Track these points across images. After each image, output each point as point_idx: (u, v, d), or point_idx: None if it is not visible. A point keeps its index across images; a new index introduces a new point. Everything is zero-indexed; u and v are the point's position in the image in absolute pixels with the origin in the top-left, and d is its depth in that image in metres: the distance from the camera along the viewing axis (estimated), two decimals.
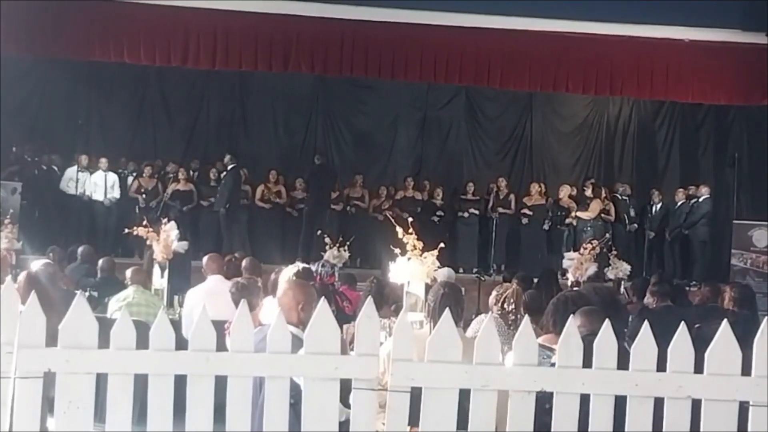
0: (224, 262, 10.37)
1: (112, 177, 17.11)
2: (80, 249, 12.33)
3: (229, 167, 17.05)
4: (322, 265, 9.93)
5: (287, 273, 8.34)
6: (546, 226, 17.55)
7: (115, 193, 17.09)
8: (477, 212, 17.72)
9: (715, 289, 10.69)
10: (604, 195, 17.50)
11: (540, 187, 17.89)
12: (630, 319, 9.24)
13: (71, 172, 16.94)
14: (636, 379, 3.90)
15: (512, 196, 17.85)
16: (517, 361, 3.94)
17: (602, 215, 17.21)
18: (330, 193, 17.54)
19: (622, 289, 12.43)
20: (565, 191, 17.71)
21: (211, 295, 8.64)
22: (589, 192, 17.39)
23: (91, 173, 17.03)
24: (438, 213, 17.59)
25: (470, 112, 20.27)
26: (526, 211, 17.54)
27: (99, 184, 16.94)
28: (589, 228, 16.64)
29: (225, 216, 16.94)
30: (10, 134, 16.22)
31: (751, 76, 15.04)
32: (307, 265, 9.12)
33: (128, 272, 9.65)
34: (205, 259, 10.13)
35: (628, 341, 4.06)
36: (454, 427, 3.89)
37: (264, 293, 8.03)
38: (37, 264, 9.69)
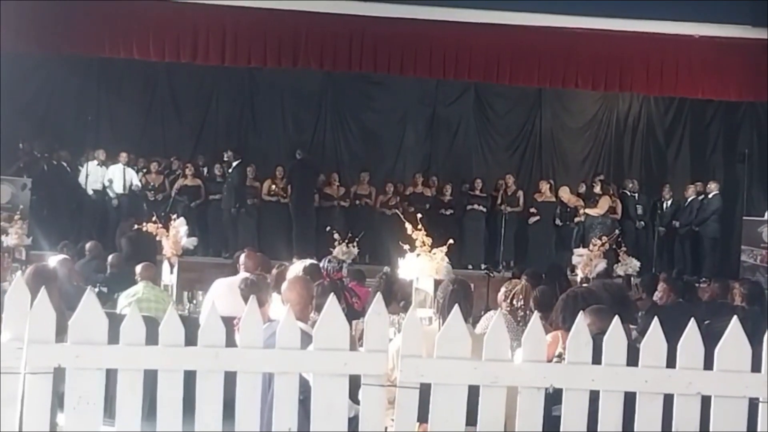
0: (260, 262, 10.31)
1: (122, 172, 17.08)
2: (88, 245, 12.35)
3: (234, 163, 17.04)
4: (329, 261, 9.95)
5: (295, 269, 8.36)
6: (559, 222, 17.52)
7: (127, 189, 17.06)
8: (484, 209, 17.67)
9: (724, 285, 10.70)
10: (612, 192, 17.46)
11: (549, 184, 17.85)
12: (639, 315, 9.26)
13: (90, 167, 16.96)
14: (645, 376, 3.90)
15: (520, 193, 17.81)
16: (527, 357, 3.93)
17: (610, 214, 17.18)
18: (313, 187, 17.51)
19: (631, 286, 12.42)
20: (564, 192, 17.66)
21: (233, 288, 8.60)
22: (597, 188, 17.35)
23: (101, 168, 17.01)
24: (446, 210, 17.55)
25: (479, 108, 20.25)
26: (534, 208, 17.48)
27: (109, 180, 16.92)
28: (597, 225, 16.61)
29: (234, 213, 16.94)
30: (19, 130, 16.28)
31: (761, 73, 14.99)
32: (315, 261, 9.14)
33: (138, 268, 9.65)
34: (242, 256, 10.11)
35: (638, 337, 4.05)
36: (463, 423, 3.89)
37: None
38: (54, 259, 9.72)
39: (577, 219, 17.34)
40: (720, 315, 8.12)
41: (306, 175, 17.43)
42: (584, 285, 10.07)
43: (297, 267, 8.56)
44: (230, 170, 17.08)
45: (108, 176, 16.86)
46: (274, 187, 17.40)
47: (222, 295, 8.54)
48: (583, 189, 17.99)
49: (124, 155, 17.11)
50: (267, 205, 17.47)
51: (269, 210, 17.50)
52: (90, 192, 16.86)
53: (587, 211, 17.03)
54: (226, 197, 16.98)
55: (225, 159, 17.23)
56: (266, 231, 17.29)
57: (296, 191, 17.25)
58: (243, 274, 9.50)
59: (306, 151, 18.51)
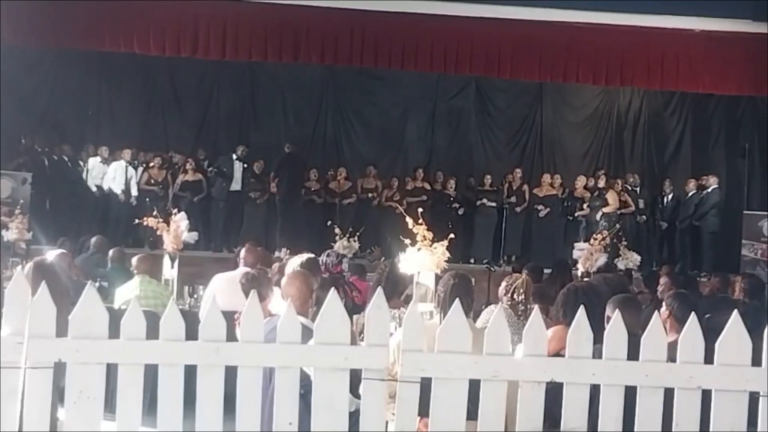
0: (261, 257, 10.32)
1: (123, 167, 17.06)
2: (93, 239, 12.33)
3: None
4: (328, 255, 9.94)
5: (293, 263, 8.35)
6: (568, 216, 17.50)
7: (128, 184, 17.02)
8: (494, 204, 17.66)
9: (724, 279, 10.70)
10: (620, 188, 17.43)
11: (551, 178, 17.84)
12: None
13: (91, 162, 16.93)
14: (646, 370, 3.90)
15: (525, 187, 17.81)
16: (527, 351, 3.94)
17: (622, 207, 17.17)
18: (300, 181, 17.50)
19: (632, 280, 12.41)
20: (581, 182, 17.66)
21: (232, 283, 8.61)
22: (602, 183, 17.34)
23: (102, 164, 16.99)
24: (455, 205, 17.56)
25: (480, 102, 20.26)
26: (539, 202, 17.46)
27: (111, 175, 16.90)
28: (604, 219, 16.57)
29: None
30: (20, 125, 16.25)
31: (762, 67, 14.96)
32: (312, 255, 9.12)
33: (134, 260, 9.64)
34: (242, 251, 10.11)
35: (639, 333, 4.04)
36: (463, 417, 3.89)
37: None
38: (52, 254, 9.71)
39: (581, 212, 17.29)
40: (721, 309, 8.11)
41: (294, 169, 17.40)
42: (585, 279, 10.11)
43: (295, 261, 8.55)
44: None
45: (110, 173, 16.86)
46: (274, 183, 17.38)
47: (222, 289, 8.54)
48: (591, 183, 17.94)
49: (127, 152, 17.08)
50: (272, 200, 17.45)
51: (274, 204, 17.48)
52: (93, 188, 16.83)
53: (603, 210, 16.92)
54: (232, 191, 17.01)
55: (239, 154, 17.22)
56: (272, 225, 17.28)
57: (284, 185, 17.22)
58: (243, 269, 9.50)
59: (307, 146, 18.55)
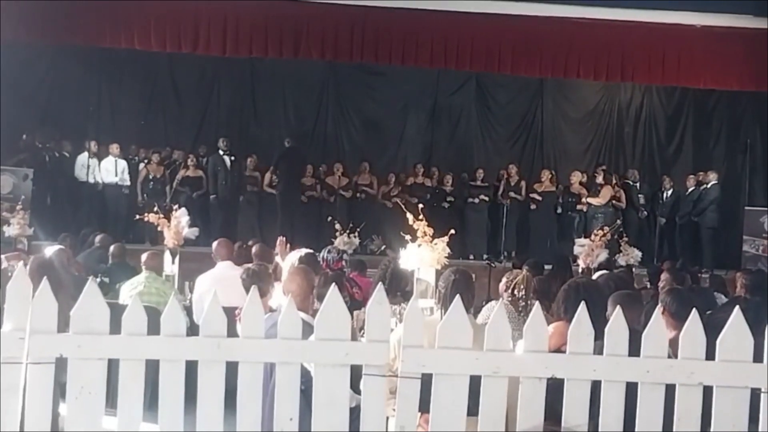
0: (235, 249, 10.38)
1: (123, 163, 17.08)
2: (98, 237, 12.33)
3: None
4: (329, 251, 9.93)
5: (291, 259, 8.35)
6: (560, 211, 17.50)
7: (126, 180, 17.05)
8: (486, 198, 17.65)
9: (693, 271, 10.79)
10: (615, 182, 17.44)
11: (551, 173, 17.83)
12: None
13: (83, 158, 16.90)
14: (647, 366, 3.90)
15: (523, 183, 17.78)
16: (528, 347, 3.93)
17: (613, 202, 17.18)
18: (300, 176, 17.52)
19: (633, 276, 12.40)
20: (576, 177, 17.65)
21: (219, 281, 8.65)
22: (600, 179, 17.34)
23: (102, 160, 16.99)
24: (448, 199, 17.52)
25: (481, 98, 20.23)
26: (536, 197, 17.44)
27: (110, 171, 16.91)
28: (600, 214, 16.59)
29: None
30: (21, 121, 16.24)
31: (763, 63, 14.95)
32: (311, 251, 9.12)
33: (144, 256, 9.65)
34: (214, 244, 10.12)
35: (640, 328, 4.04)
36: (464, 413, 3.89)
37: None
38: (50, 250, 9.72)
39: (579, 207, 17.29)
40: (712, 304, 8.13)
41: (293, 163, 17.42)
42: (585, 276, 10.09)
43: (293, 257, 8.56)
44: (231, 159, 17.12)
45: (101, 168, 16.85)
46: (275, 177, 17.36)
47: (209, 290, 8.55)
48: (584, 179, 17.94)
49: (115, 147, 17.06)
50: (268, 195, 17.46)
51: (270, 200, 17.48)
52: (82, 182, 16.79)
53: (589, 200, 17.02)
54: (226, 186, 17.01)
55: (221, 148, 17.24)
56: (269, 221, 17.26)
57: (283, 180, 17.25)
58: (221, 264, 9.55)
59: (307, 141, 18.50)
